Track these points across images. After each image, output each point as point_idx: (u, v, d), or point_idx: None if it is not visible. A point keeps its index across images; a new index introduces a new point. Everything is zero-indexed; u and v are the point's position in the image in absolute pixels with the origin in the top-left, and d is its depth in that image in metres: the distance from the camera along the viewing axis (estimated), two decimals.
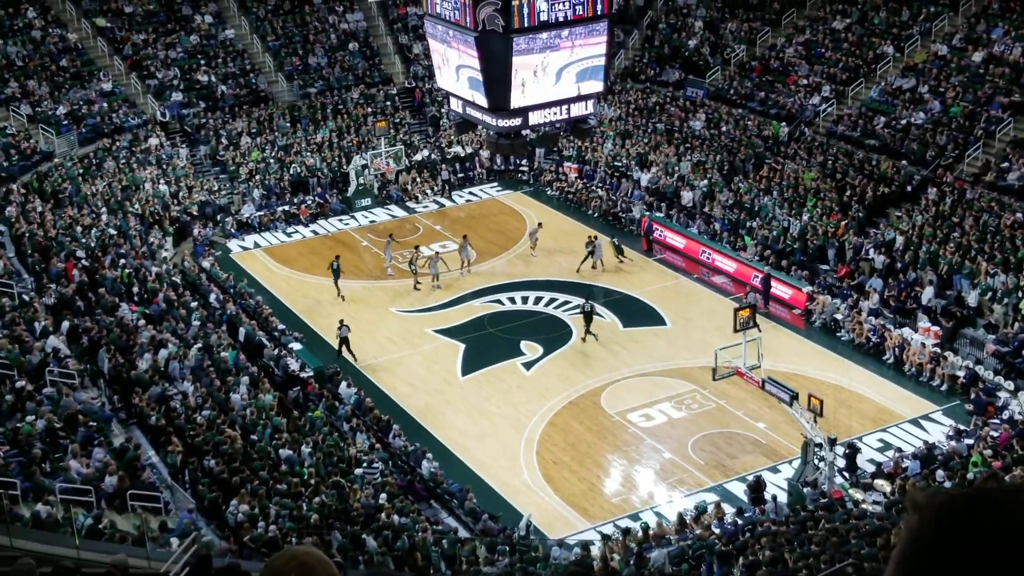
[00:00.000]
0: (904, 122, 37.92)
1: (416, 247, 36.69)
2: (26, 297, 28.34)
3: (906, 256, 32.73)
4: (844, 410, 27.52)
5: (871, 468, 25.27)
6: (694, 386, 28.97)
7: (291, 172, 42.71)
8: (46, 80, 42.88)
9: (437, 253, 36.47)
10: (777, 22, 45.31)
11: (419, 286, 35.36)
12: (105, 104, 43.10)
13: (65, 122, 41.35)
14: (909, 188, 35.50)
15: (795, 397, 25.24)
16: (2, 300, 27.05)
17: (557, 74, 27.98)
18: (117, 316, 28.56)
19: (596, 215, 40.49)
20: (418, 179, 43.45)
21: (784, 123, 40.52)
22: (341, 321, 31.54)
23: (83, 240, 33.21)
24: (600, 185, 42.04)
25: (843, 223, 34.73)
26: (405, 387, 29.75)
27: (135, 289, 31.09)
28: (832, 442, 24.16)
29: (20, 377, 23.31)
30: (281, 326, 32.08)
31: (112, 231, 34.74)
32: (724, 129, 41.88)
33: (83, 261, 31.41)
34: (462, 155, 44.68)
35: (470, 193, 43.58)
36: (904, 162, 36.48)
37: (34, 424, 21.39)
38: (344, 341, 31.20)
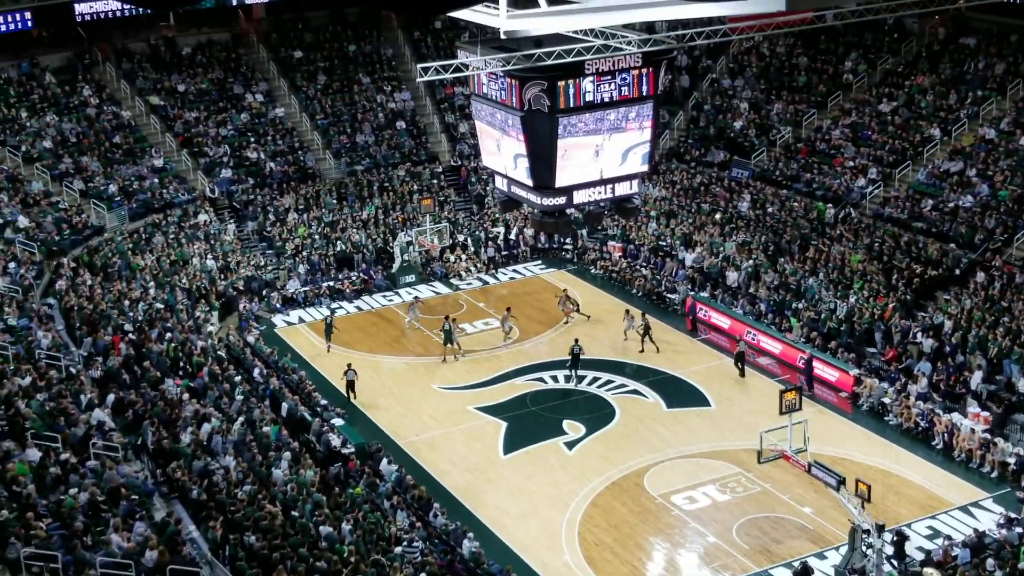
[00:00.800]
0: (952, 205, 37.69)
1: (446, 316, 36.90)
2: (73, 370, 28.59)
3: (955, 340, 32.33)
4: (892, 496, 27.03)
5: (920, 556, 24.71)
6: (739, 469, 28.61)
7: (336, 248, 43.05)
8: (99, 156, 43.68)
9: (417, 299, 39.28)
10: (823, 104, 45.39)
11: (459, 357, 35.66)
12: (156, 180, 43.80)
13: (117, 198, 42.03)
14: (957, 271, 35.17)
15: (842, 482, 24.85)
16: (50, 372, 27.30)
17: (623, 155, 28.18)
18: (161, 390, 28.72)
19: (640, 294, 40.40)
20: (462, 256, 43.64)
21: (830, 205, 40.39)
22: (349, 365, 33.55)
23: (130, 314, 33.53)
24: (644, 264, 42.00)
25: (890, 306, 34.40)
26: (446, 464, 29.58)
27: (180, 363, 31.27)
28: (880, 528, 23.69)
29: (65, 449, 23.44)
30: (323, 401, 32.09)
31: (159, 305, 35.07)
32: (770, 210, 41.81)
33: (130, 335, 31.68)
34: (502, 237, 44.80)
35: (513, 271, 43.66)
36: (952, 245, 36.18)
37: (77, 497, 21.44)
38: (350, 385, 33.20)
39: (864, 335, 34.27)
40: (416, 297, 39.41)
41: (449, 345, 35.91)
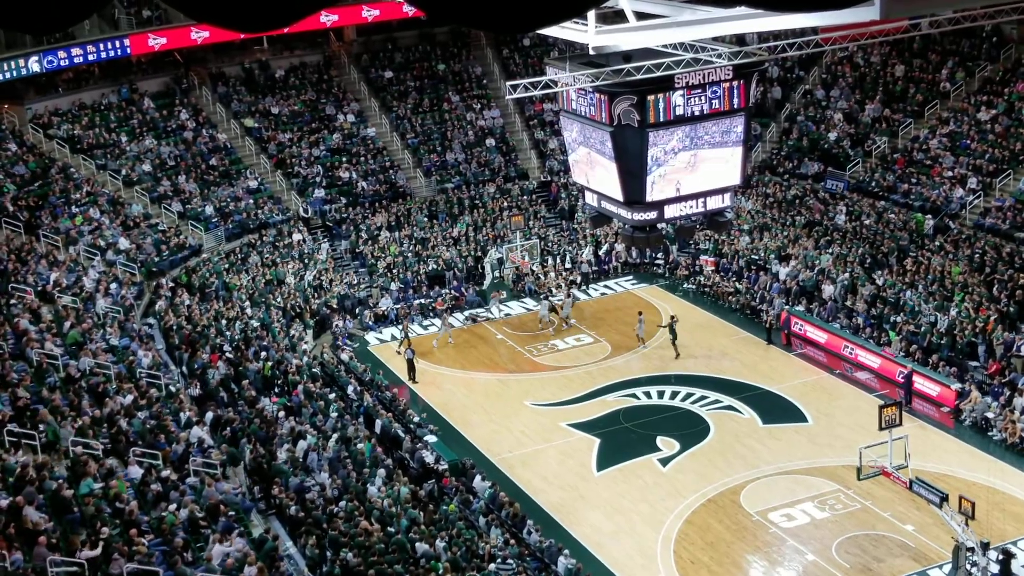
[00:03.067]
0: None
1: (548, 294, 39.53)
2: (172, 388, 29.14)
3: None
4: (997, 513, 26.27)
5: None
6: (838, 486, 28.08)
7: (428, 266, 43.32)
8: (196, 178, 44.59)
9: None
10: (920, 114, 44.52)
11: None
12: (251, 201, 44.56)
13: (213, 219, 42.83)
14: None
15: (945, 499, 24.26)
16: (150, 391, 27.85)
17: (715, 168, 27.94)
18: (258, 408, 29.12)
19: (733, 309, 39.99)
20: (552, 273, 43.57)
21: (929, 216, 39.56)
22: (409, 344, 36.62)
23: (227, 333, 34.10)
24: (737, 278, 41.52)
25: (992, 318, 33.53)
26: (539, 482, 29.51)
27: (276, 381, 31.70)
28: (985, 547, 23.07)
29: (165, 467, 23.88)
30: (417, 418, 32.26)
31: (255, 324, 35.60)
32: (866, 222, 41.07)
33: (227, 353, 32.20)
34: (591, 253, 44.62)
35: (604, 287, 43.49)
36: None
37: (177, 513, 21.80)
38: (410, 364, 35.76)
39: (966, 348, 33.45)
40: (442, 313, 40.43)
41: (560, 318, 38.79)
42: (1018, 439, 29.65)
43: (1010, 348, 32.43)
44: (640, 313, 38.10)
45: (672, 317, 36.91)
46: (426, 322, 40.70)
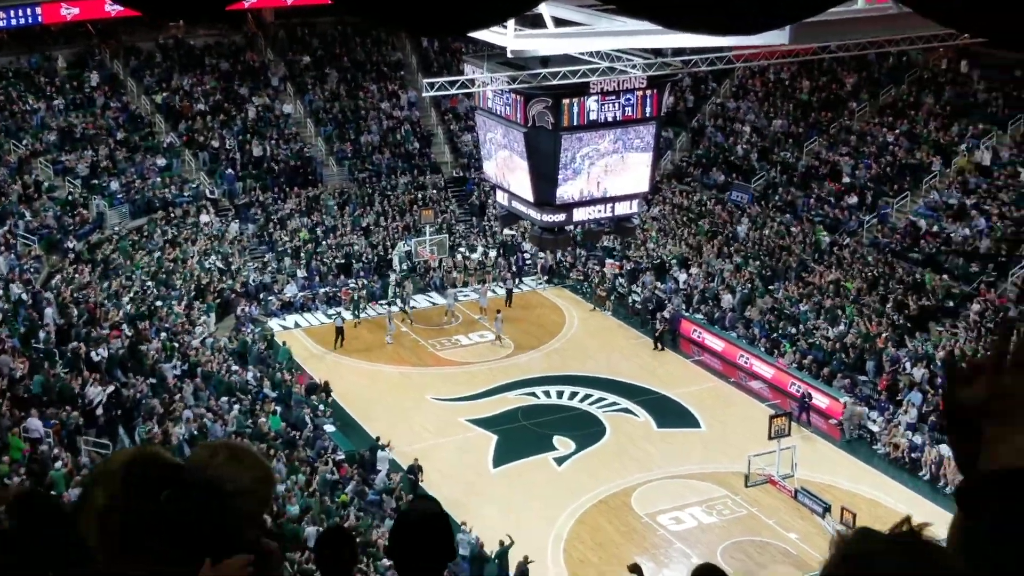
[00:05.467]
0: (949, 235, 37.81)
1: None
2: (65, 372, 28.67)
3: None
4: (878, 525, 26.91)
5: None
6: (726, 491, 28.76)
7: (336, 254, 43.06)
8: (103, 152, 43.72)
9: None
10: (825, 130, 45.57)
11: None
12: (159, 179, 43.86)
13: (119, 195, 42.10)
14: (951, 303, 35.31)
15: (828, 509, 25.04)
16: (45, 365, 27.42)
17: (624, 174, 28.41)
18: (155, 387, 28.86)
19: (633, 311, 40.53)
20: (464, 272, 43.53)
21: (825, 233, 40.52)
22: (339, 312, 38.39)
23: (128, 310, 33.65)
24: (639, 283, 41.93)
25: (883, 334, 34.53)
26: (436, 476, 29.67)
27: (176, 361, 31.40)
28: None
29: (56, 444, 23.57)
30: (320, 407, 32.15)
31: (158, 303, 35.19)
32: (767, 234, 41.94)
33: (127, 331, 31.80)
34: (494, 252, 44.82)
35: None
36: (946, 276, 36.35)
37: (69, 493, 21.57)
38: (339, 332, 37.06)
39: (857, 362, 34.39)
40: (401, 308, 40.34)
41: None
42: (901, 454, 30.61)
43: (897, 363, 33.42)
44: (499, 311, 38.90)
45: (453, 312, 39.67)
46: (331, 311, 40.45)
